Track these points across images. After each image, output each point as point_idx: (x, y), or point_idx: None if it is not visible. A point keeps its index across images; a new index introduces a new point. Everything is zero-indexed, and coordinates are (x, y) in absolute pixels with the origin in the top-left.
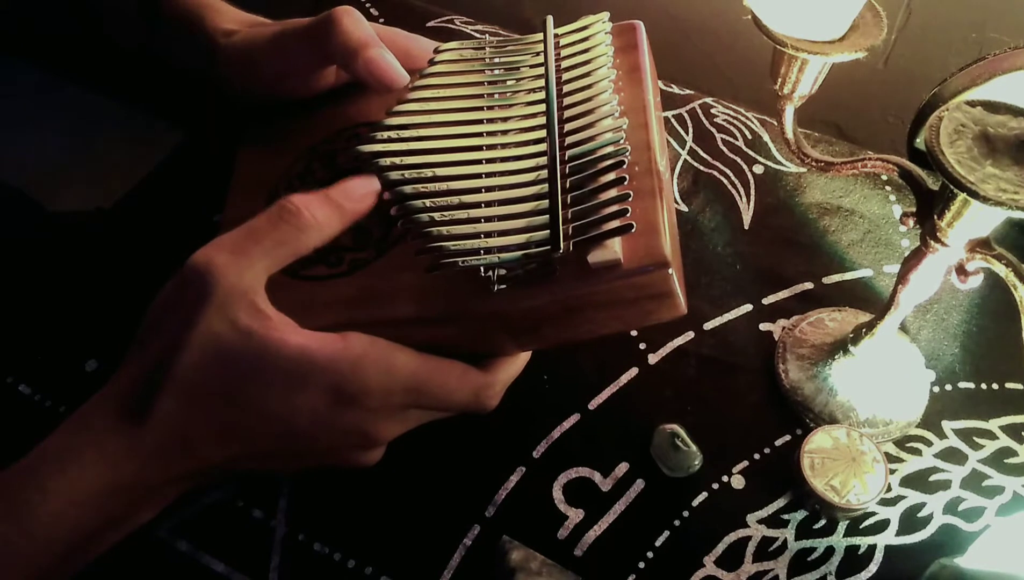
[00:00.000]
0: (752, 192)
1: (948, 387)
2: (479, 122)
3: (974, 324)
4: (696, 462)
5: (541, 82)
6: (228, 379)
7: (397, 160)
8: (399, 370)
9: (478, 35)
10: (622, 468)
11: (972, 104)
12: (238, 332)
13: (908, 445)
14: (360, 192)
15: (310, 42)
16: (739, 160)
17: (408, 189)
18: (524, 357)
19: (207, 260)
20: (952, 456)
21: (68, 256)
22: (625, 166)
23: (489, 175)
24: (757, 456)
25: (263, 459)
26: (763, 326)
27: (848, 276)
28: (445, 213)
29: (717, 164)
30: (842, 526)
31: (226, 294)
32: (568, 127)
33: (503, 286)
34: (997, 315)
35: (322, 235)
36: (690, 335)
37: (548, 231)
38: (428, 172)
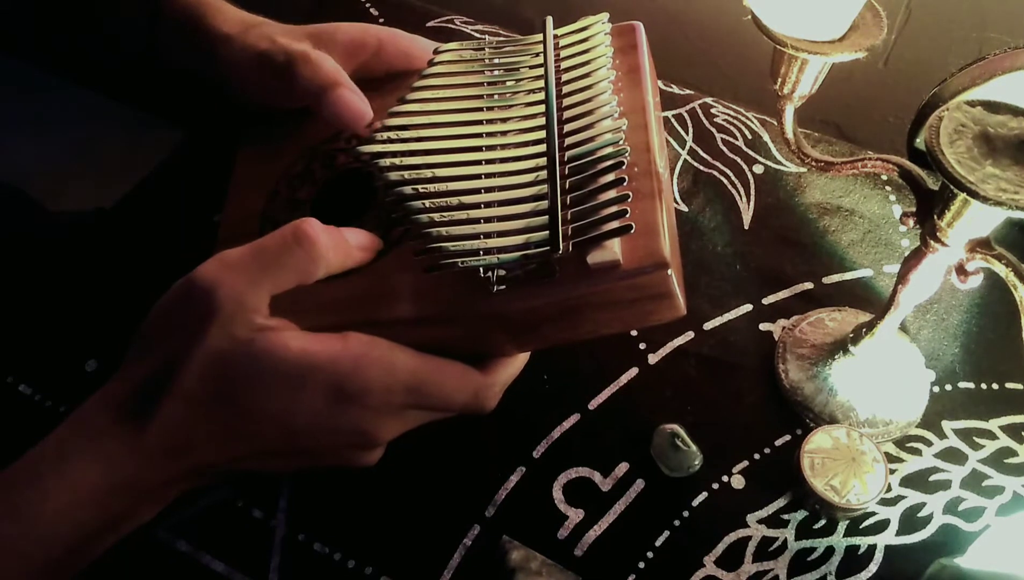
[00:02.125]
0: (752, 192)
1: (948, 387)
2: (479, 123)
3: (974, 324)
4: (696, 462)
5: (541, 83)
6: (231, 385)
7: (397, 160)
8: (399, 370)
9: (478, 35)
10: (622, 468)
11: (972, 104)
12: (239, 344)
13: (908, 445)
14: (367, 243)
15: (283, 80)
16: (739, 160)
17: (408, 190)
18: (523, 357)
19: (214, 280)
20: (952, 456)
21: (68, 256)
22: (624, 167)
23: (489, 176)
24: (757, 456)
25: (264, 459)
26: (763, 326)
27: (848, 276)
28: (445, 214)
29: (717, 164)
30: (842, 526)
31: (230, 315)
32: (567, 128)
33: (502, 287)
34: (997, 315)
35: (327, 269)
36: (690, 335)
37: (547, 232)
38: (428, 173)
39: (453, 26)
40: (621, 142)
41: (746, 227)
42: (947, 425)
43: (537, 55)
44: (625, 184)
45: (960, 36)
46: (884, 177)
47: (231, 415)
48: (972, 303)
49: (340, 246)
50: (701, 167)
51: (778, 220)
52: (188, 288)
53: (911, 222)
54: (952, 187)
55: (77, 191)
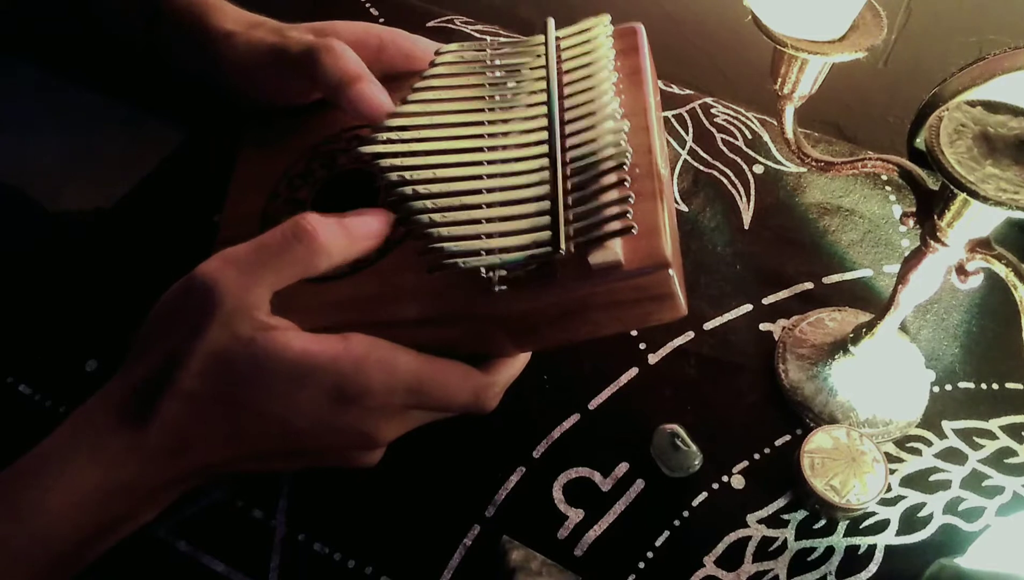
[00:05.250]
0: (752, 192)
1: (948, 387)
2: (480, 124)
3: (974, 324)
4: (696, 462)
5: (542, 84)
6: (231, 384)
7: (398, 161)
8: (401, 371)
9: (478, 35)
10: (622, 468)
11: (972, 104)
12: (240, 342)
13: (908, 445)
14: (375, 229)
15: (300, 71)
16: (739, 160)
17: (409, 190)
18: (524, 358)
19: (215, 276)
20: (952, 456)
21: (68, 256)
22: (627, 168)
23: (490, 176)
24: (757, 456)
25: (265, 459)
26: (763, 326)
27: (848, 276)
28: (446, 214)
29: (717, 164)
30: (842, 526)
31: (231, 312)
32: (569, 129)
33: (504, 287)
34: (997, 315)
35: (330, 262)
36: (690, 335)
37: (549, 232)
38: (429, 173)
39: (453, 26)
40: (623, 144)
41: (746, 227)
42: (947, 425)
43: (539, 56)
44: (627, 185)
45: (960, 36)
46: (884, 177)
47: (231, 414)
48: (972, 303)
49: (342, 238)
50: (701, 167)
51: (778, 220)
52: (189, 285)
53: (911, 222)
54: (952, 187)
55: (77, 191)
